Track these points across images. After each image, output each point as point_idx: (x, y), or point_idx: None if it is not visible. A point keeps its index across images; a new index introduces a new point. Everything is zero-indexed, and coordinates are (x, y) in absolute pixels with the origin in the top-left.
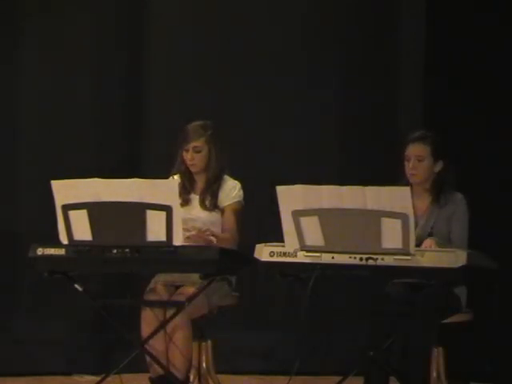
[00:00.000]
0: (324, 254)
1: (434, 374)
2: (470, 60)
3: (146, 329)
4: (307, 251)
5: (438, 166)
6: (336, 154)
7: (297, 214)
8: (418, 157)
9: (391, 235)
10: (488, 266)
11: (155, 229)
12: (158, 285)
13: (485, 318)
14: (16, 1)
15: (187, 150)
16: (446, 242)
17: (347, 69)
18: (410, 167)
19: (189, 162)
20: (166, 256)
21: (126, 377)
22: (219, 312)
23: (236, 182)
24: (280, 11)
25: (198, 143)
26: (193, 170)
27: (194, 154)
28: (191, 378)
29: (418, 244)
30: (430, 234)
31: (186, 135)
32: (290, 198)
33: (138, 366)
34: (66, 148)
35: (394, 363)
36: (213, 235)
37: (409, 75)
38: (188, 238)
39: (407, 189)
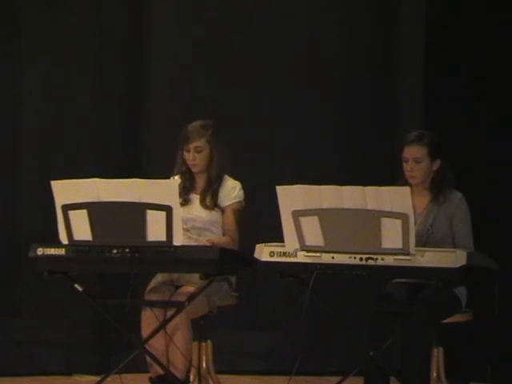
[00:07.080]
0: (324, 254)
1: (434, 374)
2: (472, 60)
3: (146, 329)
4: (307, 251)
5: (436, 165)
6: (336, 153)
7: (297, 214)
8: (415, 158)
9: (391, 235)
10: (488, 266)
11: (155, 229)
12: (158, 285)
13: (485, 318)
14: (16, 0)
15: (188, 151)
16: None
17: (347, 69)
18: (408, 169)
19: (190, 163)
20: (166, 256)
21: (125, 377)
22: (219, 312)
23: (236, 182)
24: (280, 10)
25: (200, 143)
26: (194, 170)
27: (196, 154)
28: (191, 377)
29: (418, 240)
30: (430, 231)
31: (186, 135)
32: (290, 197)
33: (137, 366)
34: (66, 148)
35: (394, 363)
36: (212, 242)
37: (409, 75)
38: None
39: (407, 189)
